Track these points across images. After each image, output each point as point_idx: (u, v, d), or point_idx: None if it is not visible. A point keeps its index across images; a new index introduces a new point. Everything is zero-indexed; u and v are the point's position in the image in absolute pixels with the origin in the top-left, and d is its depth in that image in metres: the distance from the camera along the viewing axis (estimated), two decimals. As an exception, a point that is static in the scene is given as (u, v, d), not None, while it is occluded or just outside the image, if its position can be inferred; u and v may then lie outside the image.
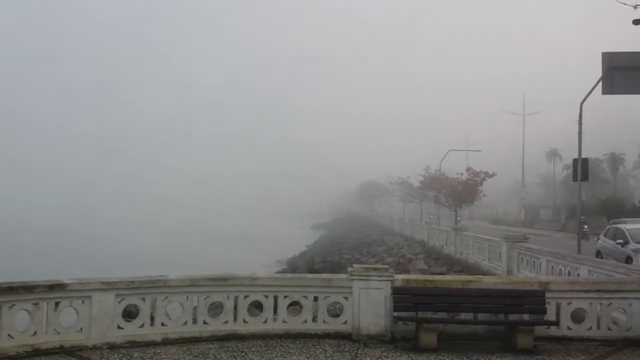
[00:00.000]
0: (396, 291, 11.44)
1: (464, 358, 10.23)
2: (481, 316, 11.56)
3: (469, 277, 13.02)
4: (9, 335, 9.40)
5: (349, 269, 11.98)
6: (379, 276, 11.52)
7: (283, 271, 43.21)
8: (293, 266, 50.13)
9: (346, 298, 11.62)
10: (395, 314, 11.37)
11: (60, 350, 9.81)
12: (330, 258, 50.16)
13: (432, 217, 67.05)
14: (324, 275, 12.89)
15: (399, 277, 11.83)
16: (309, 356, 10.10)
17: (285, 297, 11.55)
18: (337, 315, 11.90)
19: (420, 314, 11.27)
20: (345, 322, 11.55)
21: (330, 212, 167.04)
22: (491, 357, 10.34)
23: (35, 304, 9.72)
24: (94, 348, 10.07)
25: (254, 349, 10.48)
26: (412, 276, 13.57)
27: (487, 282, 11.96)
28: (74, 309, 10.19)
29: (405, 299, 11.37)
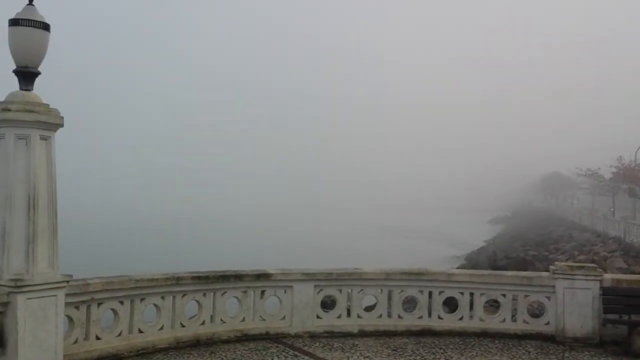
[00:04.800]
0: (605, 292, 10.62)
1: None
2: None
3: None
4: (221, 320, 10.05)
5: (551, 267, 11.32)
6: (586, 275, 10.74)
7: (462, 267, 42.31)
8: (473, 262, 48.88)
9: (548, 298, 10.98)
10: (605, 316, 10.55)
11: (266, 336, 10.31)
12: (514, 254, 48.19)
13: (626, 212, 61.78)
14: (523, 273, 12.30)
15: (609, 277, 10.98)
16: (510, 357, 9.69)
17: (482, 294, 11.18)
18: (536, 315, 11.31)
19: (634, 317, 10.36)
20: (548, 323, 10.93)
21: (507, 206, 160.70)
22: None
23: (244, 292, 10.31)
24: (296, 336, 10.46)
25: (451, 346, 10.26)
26: (624, 276, 12.51)
27: None
28: (277, 297, 10.66)
29: (616, 300, 10.54)
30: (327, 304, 11.36)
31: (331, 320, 10.88)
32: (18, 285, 6.81)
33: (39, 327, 6.98)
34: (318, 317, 10.80)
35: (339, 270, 11.16)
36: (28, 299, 6.90)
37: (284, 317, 10.59)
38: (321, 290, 10.87)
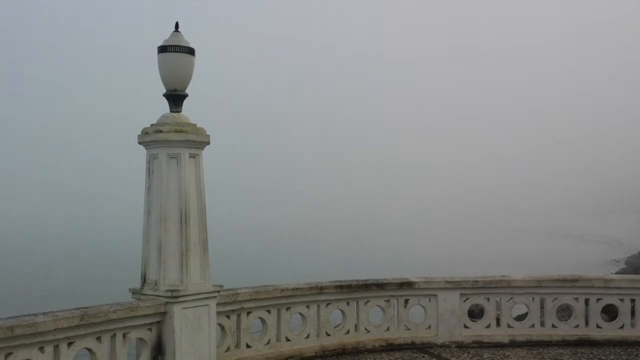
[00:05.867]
0: None
1: None
2: None
3: None
4: (365, 329, 10.05)
5: None
6: None
7: (623, 271, 39.42)
8: (635, 266, 45.35)
9: None
10: None
11: (412, 346, 10.17)
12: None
13: None
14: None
15: None
16: (682, 371, 8.84)
17: (645, 301, 10.32)
18: None
19: None
20: None
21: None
22: None
23: (387, 301, 10.24)
24: (443, 346, 10.22)
25: (612, 356, 9.59)
26: None
27: None
28: (422, 306, 10.48)
29: None
30: (475, 313, 11.03)
31: (479, 330, 10.52)
32: (174, 296, 7.22)
33: (194, 336, 7.36)
34: (465, 326, 10.49)
35: (486, 277, 10.78)
36: (183, 308, 7.30)
37: (429, 327, 10.39)
38: (467, 298, 10.55)
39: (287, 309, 9.31)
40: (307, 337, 9.50)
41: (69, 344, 6.54)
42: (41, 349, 6.29)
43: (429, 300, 10.44)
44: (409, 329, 10.33)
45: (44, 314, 6.41)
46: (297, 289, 9.40)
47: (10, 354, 6.03)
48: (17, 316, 6.29)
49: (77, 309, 6.74)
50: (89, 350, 6.78)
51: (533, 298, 10.67)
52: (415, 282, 10.38)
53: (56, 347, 6.42)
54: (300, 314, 9.50)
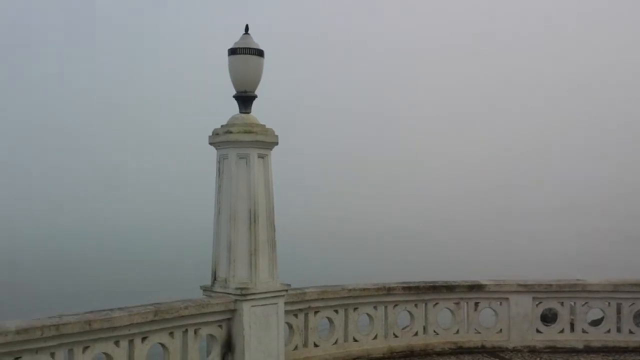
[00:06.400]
0: None
1: None
2: None
3: None
4: (434, 331, 9.93)
5: None
6: None
7: None
8: None
9: None
10: None
11: (482, 350, 9.98)
12: None
13: None
14: None
15: None
16: None
17: None
18: None
19: None
20: None
21: None
22: None
23: (457, 303, 10.09)
24: (514, 350, 9.98)
25: (695, 366, 9.11)
26: None
27: None
28: (492, 309, 10.27)
29: None
30: (548, 318, 10.73)
31: (553, 335, 10.22)
32: (243, 294, 7.33)
33: (263, 333, 7.45)
34: (538, 331, 10.21)
35: (559, 281, 10.46)
36: (252, 306, 7.40)
37: (500, 330, 10.17)
38: (540, 302, 10.27)
39: (355, 309, 9.30)
40: (375, 338, 9.47)
41: (143, 339, 6.75)
42: (117, 343, 6.51)
43: (500, 303, 10.22)
44: (479, 332, 10.13)
45: (119, 309, 6.63)
46: (364, 289, 9.39)
47: (87, 347, 6.27)
48: (94, 311, 6.53)
49: (151, 304, 6.94)
50: (162, 345, 6.97)
51: (609, 303, 10.27)
52: (486, 285, 10.18)
53: (131, 341, 6.63)
54: (368, 314, 9.48)
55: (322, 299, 8.92)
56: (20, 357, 5.72)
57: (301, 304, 8.67)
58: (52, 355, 5.96)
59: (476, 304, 10.17)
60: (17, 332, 5.61)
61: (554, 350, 10.02)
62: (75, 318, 6.14)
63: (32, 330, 5.72)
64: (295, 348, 8.63)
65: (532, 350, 9.99)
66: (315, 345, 8.87)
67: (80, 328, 6.09)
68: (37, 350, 5.82)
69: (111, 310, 6.56)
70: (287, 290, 7.86)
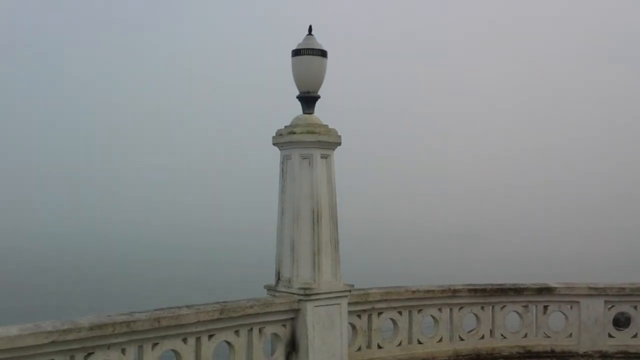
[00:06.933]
0: None
1: None
2: None
3: None
4: (501, 335, 9.70)
5: None
6: None
7: None
8: None
9: None
10: None
11: (551, 354, 9.68)
12: None
13: None
14: None
15: None
16: None
17: None
18: None
19: None
20: None
21: None
22: None
23: (525, 307, 9.82)
24: (585, 355, 9.65)
25: None
26: None
27: None
28: (562, 313, 9.96)
29: None
30: (620, 322, 10.34)
31: (626, 340, 9.82)
32: (307, 294, 7.36)
33: (326, 334, 7.46)
34: (610, 335, 9.83)
35: (633, 284, 10.04)
36: (316, 306, 7.42)
37: (570, 335, 9.84)
38: (612, 306, 9.89)
39: (419, 311, 9.19)
40: (440, 340, 9.32)
41: (210, 337, 6.86)
42: (184, 340, 6.64)
43: (570, 307, 9.89)
44: (548, 337, 9.84)
45: (187, 306, 6.77)
46: (429, 291, 9.26)
47: (156, 344, 6.42)
48: (162, 308, 6.68)
49: (217, 303, 7.06)
50: (228, 343, 7.07)
51: (683, 307, 9.81)
52: (556, 288, 9.87)
53: (198, 339, 6.76)
54: (432, 316, 9.34)
55: (386, 300, 8.85)
56: (92, 353, 5.91)
57: (364, 305, 8.62)
58: (123, 351, 6.13)
59: (545, 307, 9.87)
60: (90, 328, 5.80)
61: (626, 355, 9.63)
62: (145, 315, 6.30)
63: (104, 327, 5.90)
64: (359, 349, 8.58)
65: (604, 356, 9.64)
66: (379, 347, 8.81)
67: (149, 325, 6.24)
68: (109, 346, 6.00)
69: (179, 307, 6.70)
70: (350, 291, 7.85)
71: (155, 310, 6.57)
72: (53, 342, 5.54)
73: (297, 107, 7.87)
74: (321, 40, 7.80)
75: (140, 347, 6.31)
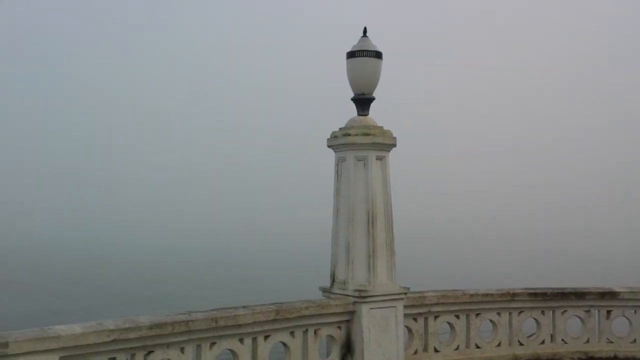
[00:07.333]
0: None
1: None
2: None
3: None
4: (562, 340, 9.44)
5: None
6: None
7: None
8: None
9: None
10: None
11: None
12: None
13: None
14: None
15: None
16: None
17: None
18: None
19: None
20: None
21: None
22: None
23: (587, 311, 9.54)
24: (649, 362, 9.31)
25: None
26: None
27: None
28: (626, 318, 9.63)
29: None
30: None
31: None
32: (362, 296, 7.34)
33: (382, 336, 7.42)
34: (676, 342, 9.45)
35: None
36: (371, 308, 7.39)
37: (634, 340, 9.50)
38: (679, 312, 9.50)
39: (477, 315, 9.04)
40: (499, 345, 9.15)
41: (265, 337, 6.92)
42: (241, 341, 6.72)
43: (635, 312, 9.56)
44: (611, 342, 9.53)
45: (243, 307, 6.86)
46: (487, 294, 9.10)
47: (214, 343, 6.52)
48: (220, 308, 6.78)
49: (272, 304, 7.12)
50: (284, 344, 7.12)
51: None
52: (619, 292, 9.56)
53: (254, 339, 6.83)
54: (491, 320, 9.17)
55: (442, 303, 8.74)
56: (152, 352, 6.05)
57: (420, 308, 8.54)
58: (182, 350, 6.25)
59: (608, 312, 9.57)
60: (150, 327, 5.94)
61: (695, 363, 9.24)
62: (203, 315, 6.42)
63: (163, 326, 6.03)
64: (415, 352, 8.50)
65: (671, 363, 9.27)
66: (436, 351, 8.70)
67: (207, 325, 6.35)
68: (168, 345, 6.13)
69: (235, 308, 6.79)
70: (406, 294, 7.78)
71: (213, 310, 6.68)
72: (115, 341, 5.70)
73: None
74: (376, 41, 7.77)
75: (199, 346, 6.42)
